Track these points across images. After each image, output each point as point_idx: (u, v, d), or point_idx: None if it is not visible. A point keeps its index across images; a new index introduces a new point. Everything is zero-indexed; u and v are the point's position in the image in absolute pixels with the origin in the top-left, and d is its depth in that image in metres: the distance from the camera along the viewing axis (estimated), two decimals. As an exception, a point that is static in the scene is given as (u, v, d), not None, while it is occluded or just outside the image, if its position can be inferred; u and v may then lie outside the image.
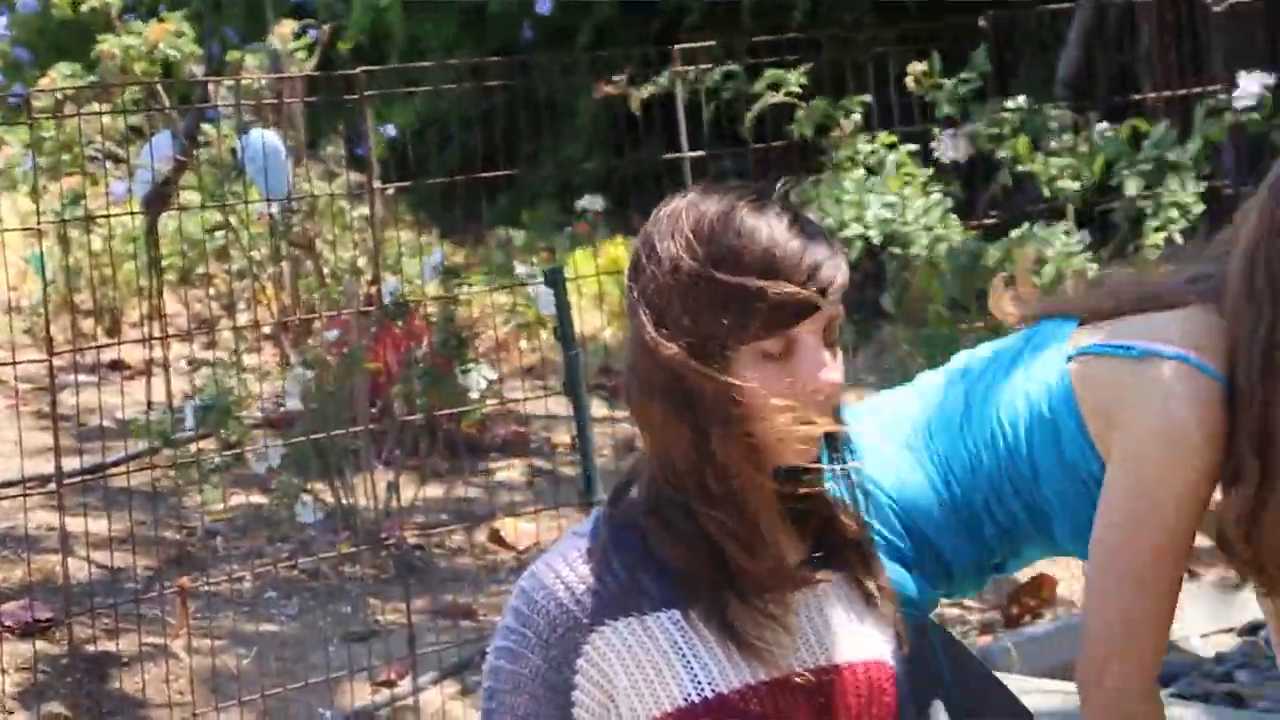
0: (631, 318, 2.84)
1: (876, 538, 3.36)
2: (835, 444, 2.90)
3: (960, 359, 3.69)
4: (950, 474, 3.51)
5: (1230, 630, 6.56)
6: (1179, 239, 8.00)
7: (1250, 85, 7.93)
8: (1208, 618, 6.59)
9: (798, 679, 2.84)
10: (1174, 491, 3.27)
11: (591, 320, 8.74)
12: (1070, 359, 3.38)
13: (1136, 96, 9.27)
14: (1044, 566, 7.06)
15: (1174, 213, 7.99)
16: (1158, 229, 8.02)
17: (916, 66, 8.24)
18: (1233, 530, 3.27)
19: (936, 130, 8.29)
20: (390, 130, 8.32)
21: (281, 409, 7.58)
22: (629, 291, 2.86)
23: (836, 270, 2.79)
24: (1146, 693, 3.32)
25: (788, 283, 2.76)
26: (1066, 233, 8.12)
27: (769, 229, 2.78)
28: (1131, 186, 8.09)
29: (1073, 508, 3.37)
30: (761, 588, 2.83)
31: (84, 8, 9.91)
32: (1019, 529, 3.48)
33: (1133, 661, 3.30)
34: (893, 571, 3.36)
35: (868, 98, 8.34)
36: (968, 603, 6.86)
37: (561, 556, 2.85)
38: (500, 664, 2.85)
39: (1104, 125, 8.26)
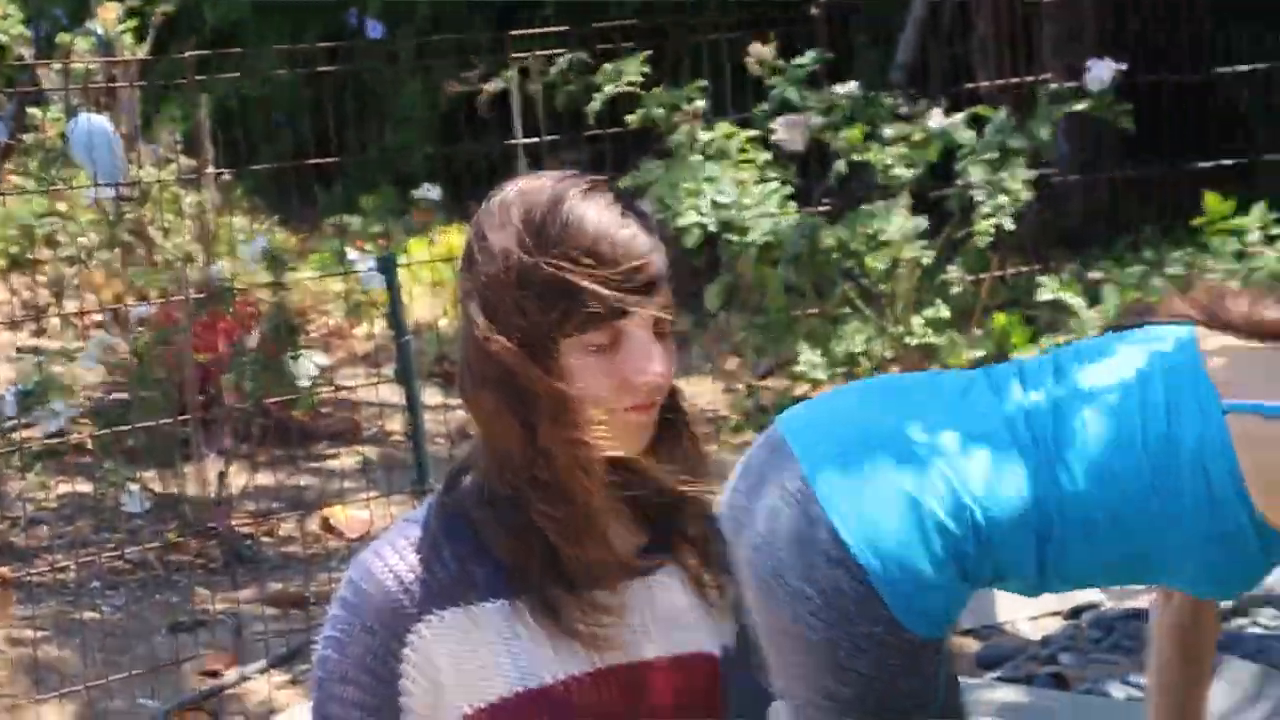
0: (463, 309, 2.85)
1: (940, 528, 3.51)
2: (672, 434, 2.91)
3: (1046, 360, 3.70)
4: (1064, 483, 3.49)
5: (1056, 614, 6.63)
6: (1009, 225, 8.08)
7: (1102, 71, 8.02)
8: (1034, 602, 6.65)
9: (624, 670, 2.88)
10: None
11: (428, 308, 8.74)
12: (1226, 412, 3.37)
13: (970, 85, 9.34)
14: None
15: (1003, 199, 8.07)
16: (987, 215, 8.09)
17: (758, 47, 8.26)
18: None
19: (768, 116, 8.31)
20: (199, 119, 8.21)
21: (110, 397, 7.51)
22: (461, 282, 2.86)
23: (665, 262, 2.79)
24: None
25: (614, 274, 2.77)
26: (904, 222, 8.19)
27: (597, 218, 2.77)
28: (976, 173, 8.15)
29: (1193, 540, 3.39)
30: (591, 579, 2.83)
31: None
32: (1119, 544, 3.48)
33: None
34: (937, 569, 3.47)
35: (704, 83, 8.35)
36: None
37: (391, 545, 2.83)
38: (328, 654, 2.83)
39: (938, 113, 8.30)
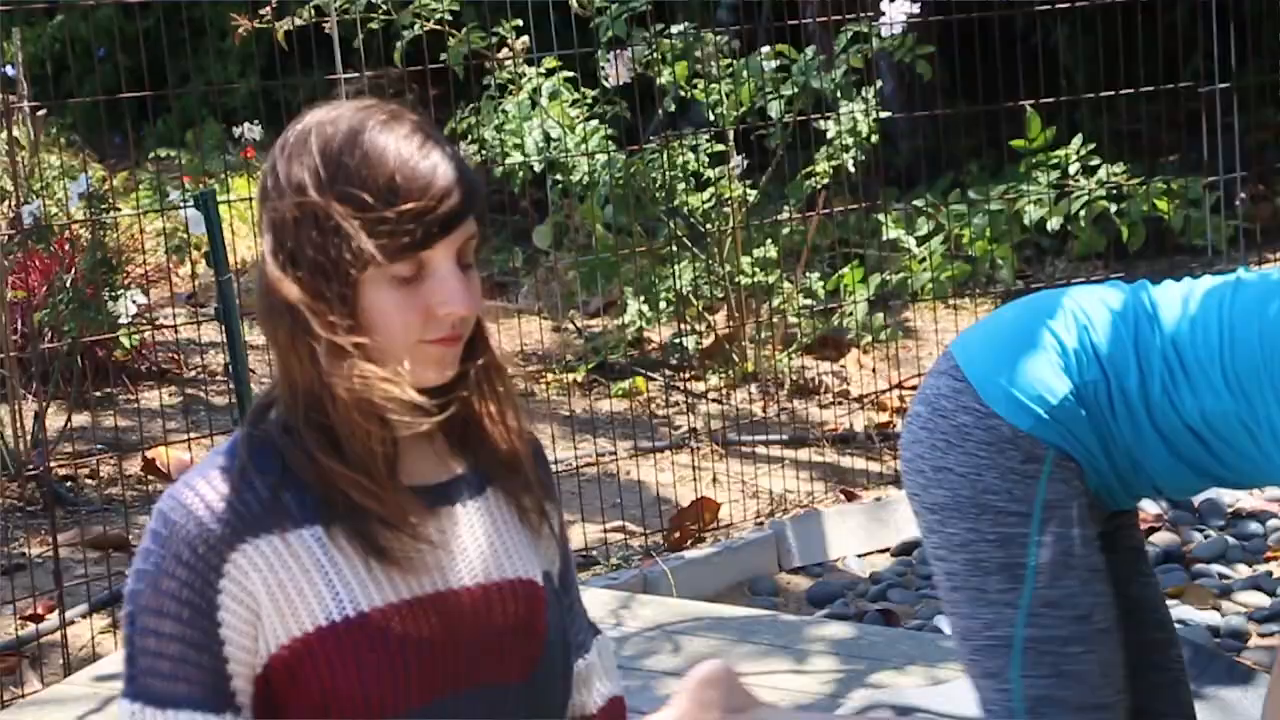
0: (261, 241, 2.85)
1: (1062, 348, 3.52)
2: (484, 365, 2.93)
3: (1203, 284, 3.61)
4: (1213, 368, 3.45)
5: (885, 550, 6.66)
6: (852, 169, 8.13)
7: (896, 13, 8.05)
8: (864, 539, 6.69)
9: (442, 597, 2.89)
10: None
11: (251, 246, 8.70)
12: None
13: (794, 22, 9.37)
14: (707, 489, 7.19)
15: (849, 140, 8.12)
16: (830, 158, 8.14)
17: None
18: None
19: (598, 53, 8.32)
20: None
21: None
22: (260, 213, 2.86)
23: (469, 191, 2.82)
24: None
25: (416, 205, 2.78)
26: (724, 156, 8.23)
27: (397, 149, 2.76)
28: (774, 110, 8.19)
29: None
30: (400, 509, 2.86)
31: None
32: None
33: None
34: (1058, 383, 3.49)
35: (519, 22, 8.30)
36: (631, 526, 6.91)
37: (201, 476, 2.82)
38: (141, 587, 2.80)
39: (766, 50, 8.33)
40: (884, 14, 8.09)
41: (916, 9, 8.10)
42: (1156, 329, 3.51)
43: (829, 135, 8.14)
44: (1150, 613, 3.67)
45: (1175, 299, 3.55)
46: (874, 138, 8.17)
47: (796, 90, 8.20)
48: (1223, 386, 3.42)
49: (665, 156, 8.21)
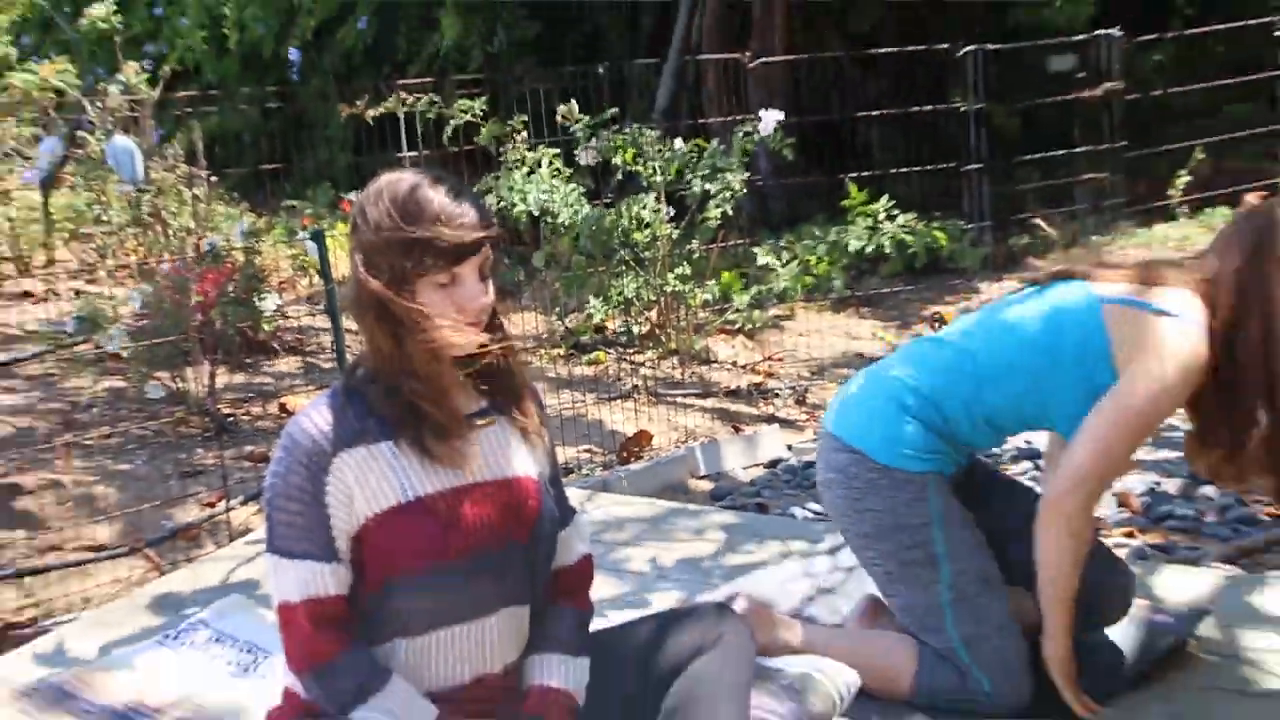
0: (351, 260, 2.87)
1: (900, 402, 3.48)
2: (494, 339, 2.95)
3: (989, 308, 3.59)
4: (986, 369, 3.42)
5: (759, 465, 6.63)
6: (729, 212, 8.12)
7: (769, 119, 8.05)
8: (745, 458, 6.66)
9: (473, 487, 2.89)
10: (1158, 402, 3.20)
11: (346, 267, 8.67)
12: (1104, 302, 3.30)
13: (705, 120, 9.36)
14: (645, 424, 7.18)
15: (728, 199, 8.10)
16: (716, 207, 8.12)
17: (564, 106, 8.24)
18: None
19: (579, 142, 8.30)
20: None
21: (140, 323, 7.42)
22: (350, 241, 2.89)
23: (486, 228, 2.84)
24: (1089, 512, 3.28)
25: (450, 234, 2.80)
26: (656, 210, 8.20)
27: (438, 198, 2.82)
28: (697, 184, 8.18)
29: (1071, 398, 3.29)
30: (446, 429, 2.87)
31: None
32: (1023, 408, 3.40)
33: (1084, 494, 3.25)
34: (910, 427, 3.44)
35: (525, 118, 8.32)
36: (594, 448, 6.89)
37: (314, 410, 2.86)
38: (275, 481, 2.82)
39: (679, 141, 8.31)
40: (762, 119, 8.07)
41: (782, 115, 8.09)
42: (958, 364, 3.48)
43: (713, 191, 8.11)
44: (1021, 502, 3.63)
45: (958, 336, 3.53)
46: (744, 191, 8.14)
47: (708, 171, 8.18)
48: (1007, 383, 3.40)
49: (620, 209, 8.19)
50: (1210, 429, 3.32)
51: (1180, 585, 4.09)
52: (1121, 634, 3.60)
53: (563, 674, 2.99)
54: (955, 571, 3.41)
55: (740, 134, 8.21)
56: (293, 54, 10.99)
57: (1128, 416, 3.20)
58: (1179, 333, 3.20)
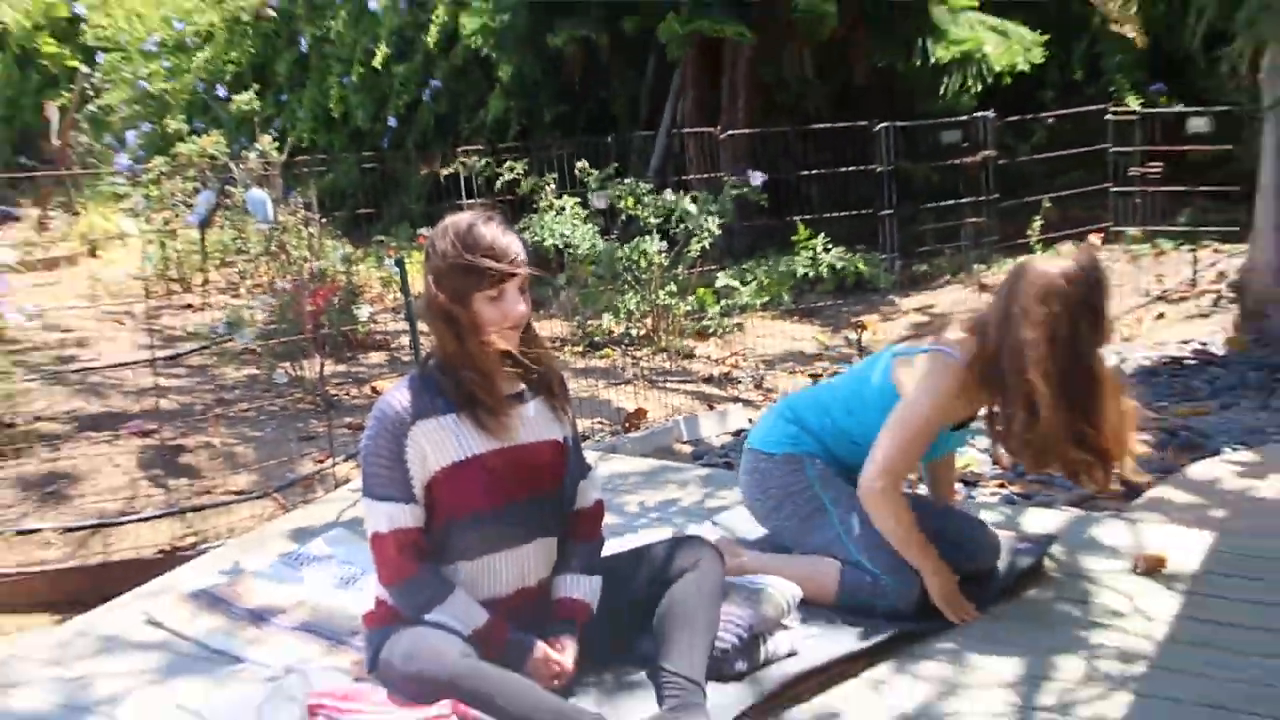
0: (424, 279, 2.88)
1: (782, 415, 3.60)
2: (529, 342, 2.95)
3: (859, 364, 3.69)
4: (833, 401, 3.55)
5: (728, 433, 6.61)
6: (708, 247, 8.10)
7: (756, 177, 8.07)
8: (717, 428, 6.65)
9: (515, 448, 2.90)
10: (930, 412, 3.33)
11: (420, 284, 8.65)
12: (894, 356, 3.44)
13: (687, 177, 9.34)
14: (642, 403, 7.19)
15: (706, 235, 8.10)
16: (698, 242, 8.11)
17: (582, 163, 8.24)
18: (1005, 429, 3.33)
19: (592, 192, 8.30)
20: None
21: (269, 325, 7.43)
22: (424, 265, 2.89)
23: (524, 257, 2.85)
24: (896, 491, 3.35)
25: (498, 261, 2.80)
26: (654, 244, 8.19)
27: (490, 233, 2.83)
28: (690, 219, 8.18)
29: (876, 422, 3.37)
30: (494, 406, 2.87)
31: (171, 129, 9.75)
32: (853, 429, 3.49)
33: (892, 476, 3.32)
34: (789, 427, 3.56)
35: (554, 175, 8.31)
36: (604, 420, 6.86)
37: (396, 391, 2.89)
38: (369, 444, 2.85)
39: (668, 193, 8.32)
40: (751, 175, 8.13)
41: (765, 176, 8.14)
42: (820, 395, 3.61)
43: (696, 231, 8.10)
44: None
45: (835, 378, 3.69)
46: (719, 233, 8.12)
47: (695, 215, 8.19)
48: (843, 410, 3.52)
49: (625, 246, 8.19)
50: (997, 429, 3.35)
51: (1037, 521, 4.10)
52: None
53: (582, 589, 3.00)
54: (841, 513, 3.44)
55: (728, 187, 8.21)
56: (391, 122, 11.00)
57: (912, 423, 3.31)
58: (941, 363, 3.32)
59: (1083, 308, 3.23)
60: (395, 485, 2.82)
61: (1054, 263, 3.29)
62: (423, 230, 8.86)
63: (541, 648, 2.87)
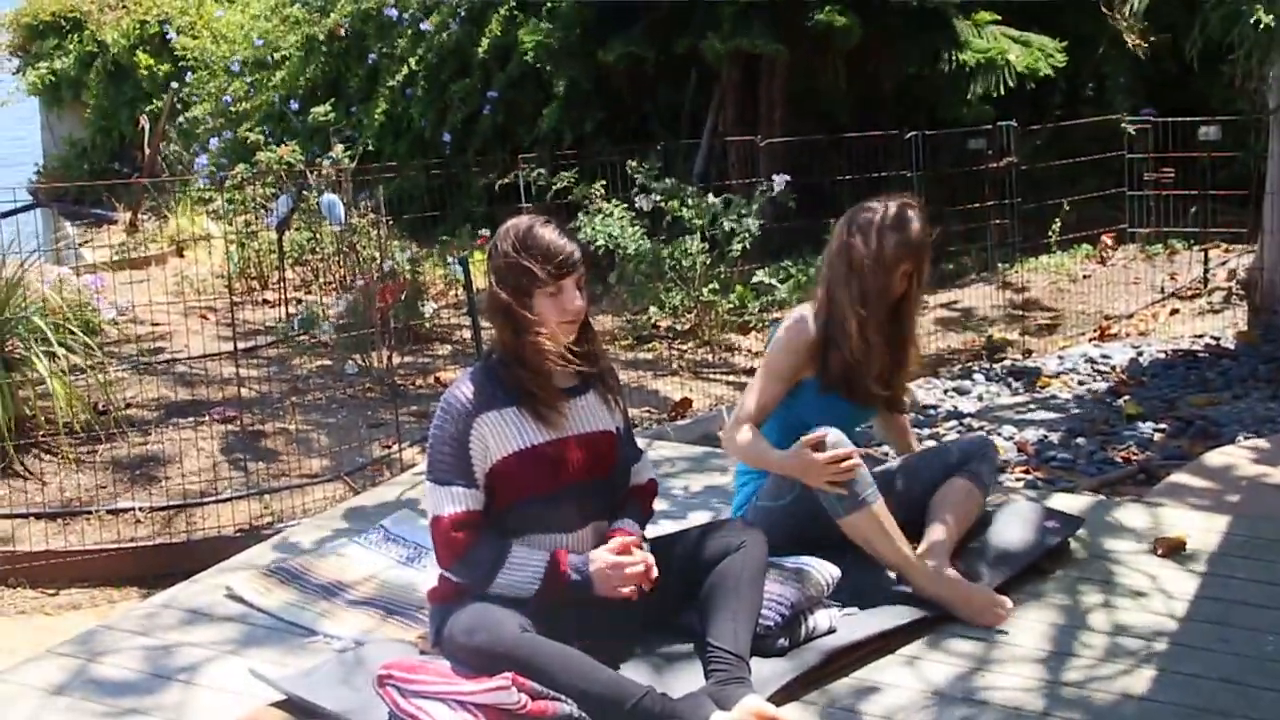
0: (487, 278, 2.86)
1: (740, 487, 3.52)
2: (586, 336, 2.93)
3: None
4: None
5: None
6: (747, 247, 8.04)
7: (779, 181, 8.01)
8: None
9: (574, 438, 2.87)
10: (775, 359, 3.37)
11: (483, 282, 8.65)
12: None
13: (729, 182, 9.28)
14: (687, 393, 7.15)
15: (746, 236, 8.04)
16: (739, 242, 8.06)
17: (632, 163, 8.21)
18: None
19: (638, 194, 8.25)
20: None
21: (341, 320, 7.45)
22: (486, 265, 2.88)
23: (580, 255, 2.82)
24: (745, 431, 3.33)
25: (556, 259, 2.77)
26: (696, 244, 8.14)
27: (548, 235, 2.81)
28: (727, 224, 8.13)
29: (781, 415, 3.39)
30: (551, 398, 2.84)
31: (250, 139, 9.81)
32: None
33: (739, 423, 3.33)
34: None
35: (604, 181, 8.29)
36: (651, 409, 6.84)
37: (461, 383, 2.86)
38: (436, 432, 2.83)
39: (710, 197, 8.27)
40: (775, 179, 8.02)
41: (788, 178, 8.07)
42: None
43: (736, 231, 8.04)
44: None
45: None
46: (758, 234, 8.05)
47: (735, 217, 8.13)
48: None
49: (674, 243, 8.14)
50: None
51: (1061, 507, 4.02)
52: (1021, 535, 3.52)
53: (631, 526, 2.95)
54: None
55: (759, 191, 8.16)
56: (445, 137, 11.01)
57: (759, 373, 3.37)
58: (787, 321, 3.40)
59: (884, 233, 3.33)
60: (459, 471, 2.80)
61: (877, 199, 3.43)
62: (483, 231, 8.85)
63: (602, 554, 2.83)
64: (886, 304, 3.35)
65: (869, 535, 3.20)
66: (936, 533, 3.28)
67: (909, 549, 3.23)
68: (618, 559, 2.81)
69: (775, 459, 3.28)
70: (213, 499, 5.56)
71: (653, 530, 3.12)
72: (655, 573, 2.83)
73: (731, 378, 7.60)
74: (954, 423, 6.13)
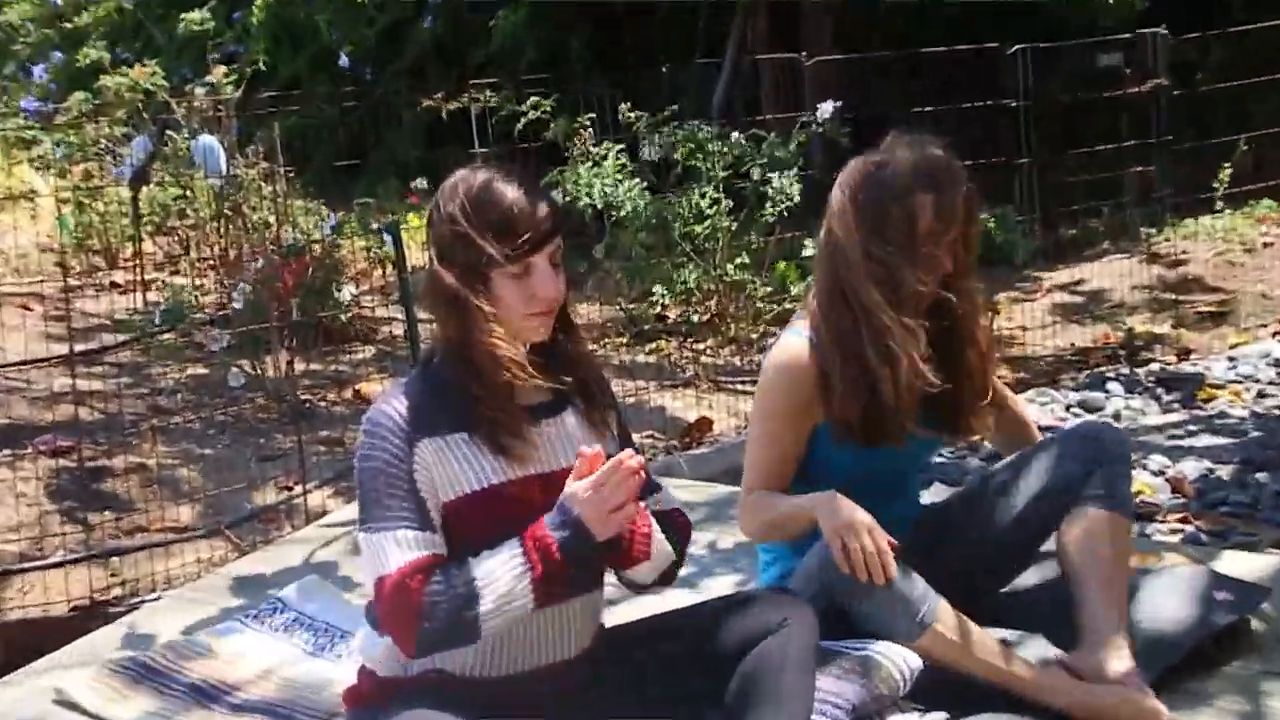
0: (427, 252, 2.86)
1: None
2: (566, 328, 2.92)
3: None
4: None
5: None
6: (791, 205, 8.06)
7: (826, 108, 8.03)
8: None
9: (543, 475, 2.85)
10: (758, 419, 3.44)
11: (420, 258, 8.67)
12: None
13: (762, 117, 9.28)
14: (705, 411, 7.15)
15: (781, 197, 8.04)
16: (774, 208, 8.07)
17: (624, 106, 8.22)
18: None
19: (643, 140, 8.27)
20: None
21: (223, 311, 7.44)
22: (427, 235, 2.88)
23: (555, 220, 2.81)
24: (753, 500, 3.39)
25: (523, 226, 2.78)
26: (716, 200, 8.14)
27: (511, 192, 2.81)
28: (755, 174, 8.13)
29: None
30: (514, 423, 2.84)
31: (91, 59, 9.82)
32: None
33: (745, 499, 3.40)
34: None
35: (593, 115, 8.29)
36: (657, 434, 6.87)
37: (393, 398, 2.86)
38: (366, 465, 2.81)
39: (736, 135, 8.28)
40: (820, 109, 8.05)
41: (839, 104, 8.07)
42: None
43: (770, 192, 8.05)
44: None
45: None
46: (796, 196, 8.07)
47: (765, 161, 8.13)
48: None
49: (679, 201, 8.15)
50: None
51: (1237, 570, 4.00)
52: (1180, 612, 3.50)
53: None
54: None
55: (798, 125, 8.17)
56: (343, 61, 11.02)
57: (754, 434, 3.42)
58: (773, 355, 3.38)
59: (905, 187, 3.29)
60: (406, 510, 2.78)
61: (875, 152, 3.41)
62: (419, 184, 8.84)
63: (573, 488, 2.79)
64: (928, 292, 3.29)
65: (947, 658, 3.19)
66: (1093, 616, 3.25)
67: (1008, 660, 3.20)
68: (590, 480, 2.81)
69: (786, 510, 3.30)
70: (36, 564, 5.54)
71: (659, 602, 3.10)
72: (643, 475, 2.82)
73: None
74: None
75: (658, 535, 2.91)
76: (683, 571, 4.15)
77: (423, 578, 2.73)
